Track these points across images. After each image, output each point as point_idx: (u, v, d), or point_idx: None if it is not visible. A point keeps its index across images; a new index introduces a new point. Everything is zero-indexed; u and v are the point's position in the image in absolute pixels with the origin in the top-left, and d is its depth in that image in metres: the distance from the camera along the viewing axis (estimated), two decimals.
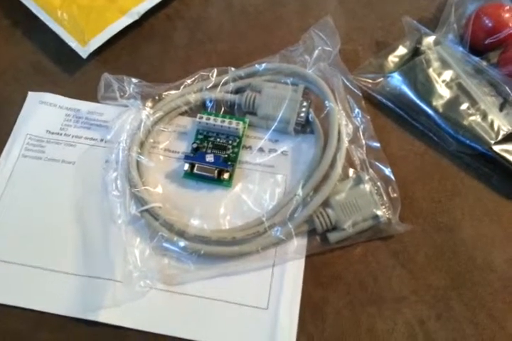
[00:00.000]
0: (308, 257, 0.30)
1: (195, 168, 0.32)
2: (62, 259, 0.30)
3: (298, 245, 0.30)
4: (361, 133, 0.33)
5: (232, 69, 0.35)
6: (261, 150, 0.34)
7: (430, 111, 0.34)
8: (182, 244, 0.29)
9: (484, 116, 0.33)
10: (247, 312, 0.29)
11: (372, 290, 0.30)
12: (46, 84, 0.37)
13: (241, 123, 0.33)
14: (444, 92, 0.34)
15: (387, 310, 0.29)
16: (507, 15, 0.35)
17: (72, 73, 0.37)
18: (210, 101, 0.35)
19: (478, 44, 0.36)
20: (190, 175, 0.32)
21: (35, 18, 0.37)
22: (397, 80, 0.35)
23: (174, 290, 0.29)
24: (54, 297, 0.29)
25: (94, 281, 0.29)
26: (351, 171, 0.32)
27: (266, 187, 0.32)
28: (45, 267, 0.30)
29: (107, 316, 0.28)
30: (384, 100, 0.35)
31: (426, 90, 0.34)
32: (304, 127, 0.34)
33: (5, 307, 0.29)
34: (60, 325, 0.29)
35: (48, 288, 0.30)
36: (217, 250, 0.30)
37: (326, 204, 0.30)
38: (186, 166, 0.32)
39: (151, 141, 0.33)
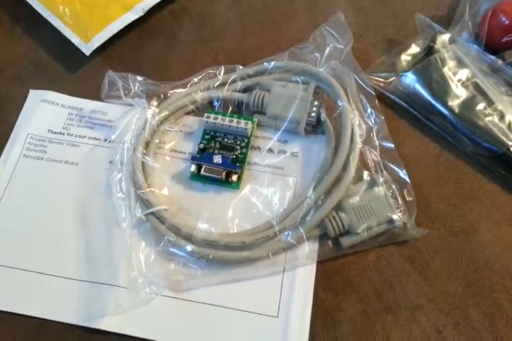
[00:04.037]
0: (320, 263, 0.30)
1: (203, 170, 0.31)
2: (64, 264, 0.29)
3: (309, 250, 0.29)
4: (375, 134, 0.32)
5: (240, 67, 0.35)
6: (270, 151, 0.33)
7: (445, 112, 0.33)
8: (189, 248, 0.29)
9: (501, 117, 0.32)
10: (257, 321, 0.28)
11: (387, 298, 0.29)
12: (48, 81, 0.36)
13: (249, 123, 0.32)
14: (459, 92, 0.33)
15: (403, 318, 0.29)
16: None
17: (74, 71, 0.36)
18: (218, 100, 0.34)
19: (494, 42, 0.35)
20: (197, 176, 0.31)
21: (37, 14, 0.37)
22: (410, 79, 0.34)
23: (181, 297, 0.29)
24: (55, 303, 0.29)
25: (97, 287, 0.29)
26: (365, 173, 0.31)
27: (275, 190, 0.31)
28: (46, 272, 0.29)
29: (110, 324, 0.28)
30: (397, 100, 0.34)
31: (441, 90, 0.33)
32: (315, 127, 0.33)
33: (4, 313, 0.29)
34: (61, 332, 0.28)
35: (49, 294, 0.29)
36: (226, 255, 0.29)
37: (338, 207, 0.30)
38: (193, 167, 0.31)
39: (157, 141, 0.33)
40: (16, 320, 0.28)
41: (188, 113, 0.34)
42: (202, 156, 0.32)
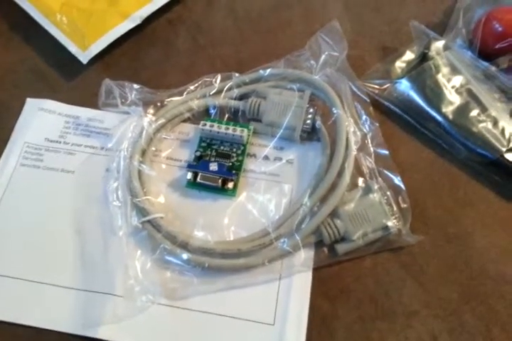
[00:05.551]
0: (316, 270, 0.30)
1: (199, 177, 0.31)
2: (60, 272, 0.29)
3: (305, 257, 0.29)
4: (369, 141, 0.32)
5: (236, 74, 0.35)
6: (266, 158, 0.33)
7: (439, 118, 0.33)
8: (185, 256, 0.29)
9: (495, 123, 0.32)
10: (253, 328, 0.28)
11: (383, 304, 0.29)
12: (45, 90, 0.36)
13: (245, 130, 0.32)
14: (453, 98, 0.33)
15: (398, 325, 0.29)
16: None
17: (72, 79, 0.36)
18: (214, 108, 0.34)
19: (488, 49, 0.35)
20: (193, 184, 0.31)
21: (34, 23, 0.37)
22: (405, 86, 0.34)
23: (177, 305, 0.28)
24: (51, 312, 0.28)
25: (93, 296, 0.29)
26: (360, 180, 0.31)
27: (271, 197, 0.31)
28: (42, 281, 0.29)
29: (106, 333, 0.27)
30: (392, 106, 0.34)
31: (435, 96, 0.33)
32: (310, 134, 0.33)
33: None
34: None
35: (45, 303, 0.29)
36: (222, 263, 0.29)
37: (334, 214, 0.30)
38: (189, 175, 0.31)
39: (153, 148, 0.33)
40: (11, 330, 0.28)
41: (184, 121, 0.34)
42: (198, 164, 0.32)
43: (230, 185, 0.31)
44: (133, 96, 0.34)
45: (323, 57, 0.34)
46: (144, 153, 0.32)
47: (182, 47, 0.38)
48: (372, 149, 0.32)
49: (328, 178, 0.30)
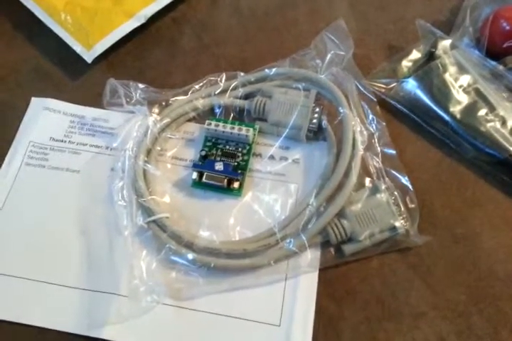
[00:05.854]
0: (322, 270, 0.29)
1: (204, 177, 0.31)
2: (65, 272, 0.29)
3: (311, 257, 0.29)
4: (376, 140, 0.32)
5: (242, 74, 0.34)
6: (272, 157, 0.33)
7: (447, 117, 0.33)
8: (190, 256, 0.28)
9: (503, 123, 0.32)
10: (259, 329, 0.28)
11: (390, 305, 0.29)
12: (50, 89, 0.36)
13: (251, 129, 0.32)
14: (461, 98, 0.33)
15: (405, 327, 0.28)
16: None
17: (76, 78, 0.36)
18: (219, 107, 0.34)
19: (496, 48, 0.35)
20: (198, 184, 0.31)
21: (38, 21, 0.37)
22: (412, 85, 0.34)
23: (182, 306, 0.28)
24: (55, 312, 0.28)
25: (98, 296, 0.28)
26: (367, 180, 0.31)
27: (277, 197, 0.31)
28: (47, 280, 0.29)
29: (111, 333, 0.27)
30: (398, 106, 0.34)
31: (442, 96, 0.33)
32: (317, 134, 0.33)
33: (3, 323, 0.28)
34: None
35: (49, 303, 0.28)
36: (228, 263, 0.28)
37: (340, 214, 0.29)
38: (195, 175, 0.31)
39: (158, 148, 0.33)
40: (16, 330, 0.28)
41: (189, 120, 0.34)
42: (203, 163, 0.31)
43: (236, 184, 0.31)
44: (138, 95, 0.33)
45: (329, 56, 0.34)
46: (149, 152, 0.32)
47: (187, 46, 0.38)
48: (379, 149, 0.32)
49: (335, 178, 0.30)
